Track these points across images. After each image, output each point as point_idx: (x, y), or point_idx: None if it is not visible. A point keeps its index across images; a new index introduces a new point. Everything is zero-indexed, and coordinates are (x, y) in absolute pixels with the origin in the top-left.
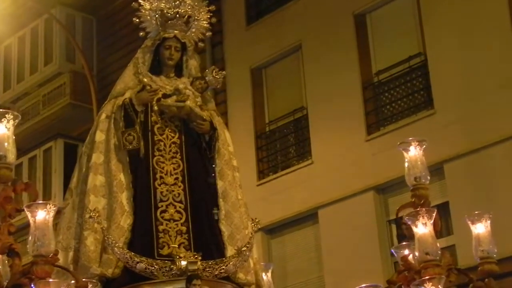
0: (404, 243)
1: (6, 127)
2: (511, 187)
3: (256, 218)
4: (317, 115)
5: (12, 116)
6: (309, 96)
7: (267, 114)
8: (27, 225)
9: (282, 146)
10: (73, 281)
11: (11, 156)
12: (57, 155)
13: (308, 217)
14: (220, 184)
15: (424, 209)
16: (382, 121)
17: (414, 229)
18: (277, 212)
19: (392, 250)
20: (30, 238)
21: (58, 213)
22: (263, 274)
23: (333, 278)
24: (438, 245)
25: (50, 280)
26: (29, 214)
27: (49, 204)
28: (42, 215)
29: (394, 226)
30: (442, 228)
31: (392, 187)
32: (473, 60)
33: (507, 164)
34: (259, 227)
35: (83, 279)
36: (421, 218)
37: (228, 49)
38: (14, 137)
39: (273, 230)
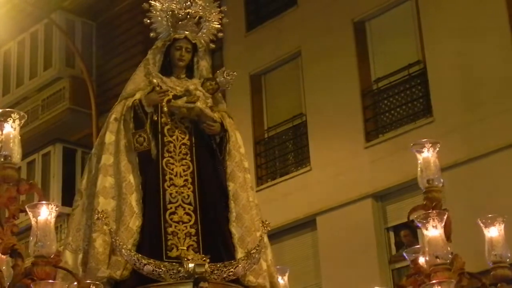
0: (417, 246)
1: (12, 127)
2: (511, 195)
3: (266, 220)
4: (316, 122)
5: (18, 116)
6: (308, 103)
7: (266, 120)
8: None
9: (281, 152)
10: (75, 283)
11: (17, 156)
12: (56, 160)
13: (307, 224)
14: (231, 186)
15: (434, 211)
16: (381, 128)
17: (425, 232)
18: (275, 219)
19: (404, 254)
20: (31, 238)
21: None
22: (280, 277)
23: (331, 285)
24: (448, 248)
25: (51, 281)
26: (31, 215)
27: (51, 205)
28: (44, 215)
29: (392, 233)
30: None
31: (391, 195)
32: (472, 68)
33: (506, 172)
34: (269, 229)
35: (89, 281)
36: (431, 221)
37: (228, 55)
38: (19, 137)
39: (271, 237)
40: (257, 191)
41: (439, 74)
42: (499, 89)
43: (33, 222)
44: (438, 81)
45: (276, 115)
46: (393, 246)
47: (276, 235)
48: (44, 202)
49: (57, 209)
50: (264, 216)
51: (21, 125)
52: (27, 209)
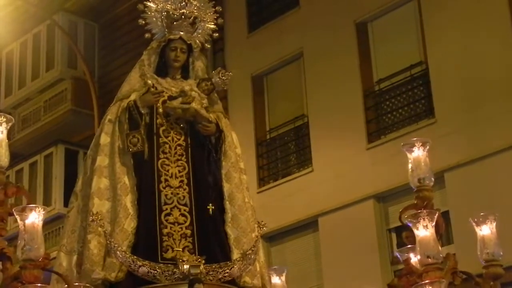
0: (409, 246)
1: None
2: None
3: (262, 221)
4: (318, 123)
5: (5, 120)
6: (310, 104)
7: (268, 121)
8: None
9: (283, 153)
10: (66, 286)
11: (5, 160)
12: (58, 161)
13: (308, 225)
14: (226, 186)
15: (425, 211)
16: (383, 129)
17: (415, 232)
18: (277, 220)
19: (397, 253)
20: (19, 242)
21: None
22: (277, 277)
23: (332, 286)
24: (440, 248)
25: (39, 285)
26: (18, 218)
27: (39, 208)
28: (31, 219)
29: (394, 235)
30: (443, 236)
31: (392, 196)
32: (474, 69)
33: (508, 173)
34: (265, 230)
35: (79, 284)
36: (422, 220)
37: (230, 56)
38: (7, 141)
39: (273, 238)
40: (259, 192)
41: (441, 75)
42: (502, 90)
43: (20, 226)
44: (440, 82)
45: (278, 116)
46: (395, 247)
47: (278, 236)
48: (31, 205)
49: (43, 212)
50: (266, 217)
51: (8, 128)
52: (15, 213)
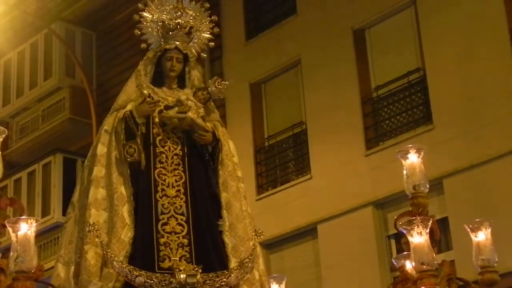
0: (405, 253)
1: None
2: (511, 202)
3: (259, 230)
4: (316, 130)
5: None
6: (308, 111)
7: (266, 128)
8: None
9: (281, 160)
10: None
11: None
12: (56, 170)
13: (307, 232)
14: (223, 195)
15: (419, 217)
16: (381, 136)
17: (410, 239)
18: (276, 227)
19: (393, 260)
20: (11, 254)
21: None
22: (277, 285)
23: None
24: (434, 254)
25: None
26: (10, 230)
27: (31, 220)
28: (23, 230)
29: (393, 241)
30: (441, 243)
31: (391, 202)
32: (471, 75)
33: (506, 179)
34: (262, 238)
35: None
36: (416, 227)
37: (228, 64)
38: (1, 153)
39: (272, 245)
40: (257, 200)
41: (439, 82)
42: (499, 95)
43: (13, 238)
44: (438, 89)
45: (276, 123)
46: (394, 254)
47: (277, 243)
48: (23, 217)
49: (36, 224)
50: (265, 224)
51: (1, 140)
52: (7, 225)
